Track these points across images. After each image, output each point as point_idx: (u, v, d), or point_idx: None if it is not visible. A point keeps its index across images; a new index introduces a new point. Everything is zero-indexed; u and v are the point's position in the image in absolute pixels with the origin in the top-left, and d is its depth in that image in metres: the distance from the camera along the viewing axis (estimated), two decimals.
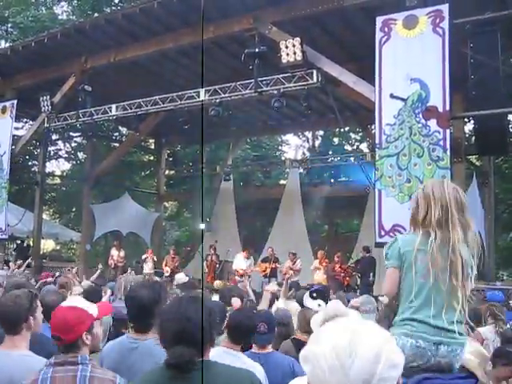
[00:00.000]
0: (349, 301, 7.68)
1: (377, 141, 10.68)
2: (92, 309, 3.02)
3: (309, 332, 4.86)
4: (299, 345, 4.75)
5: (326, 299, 5.97)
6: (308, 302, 5.93)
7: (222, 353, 3.72)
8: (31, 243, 20.27)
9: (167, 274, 16.60)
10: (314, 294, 5.99)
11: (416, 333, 3.04)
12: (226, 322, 4.17)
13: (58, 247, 32.16)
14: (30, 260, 15.34)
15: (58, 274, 13.50)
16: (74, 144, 28.51)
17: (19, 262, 14.73)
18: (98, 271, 12.65)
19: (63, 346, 2.83)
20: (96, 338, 3.02)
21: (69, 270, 12.60)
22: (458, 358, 3.00)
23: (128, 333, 3.63)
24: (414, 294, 3.13)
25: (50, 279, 10.00)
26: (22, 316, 3.29)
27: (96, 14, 22.76)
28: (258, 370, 3.68)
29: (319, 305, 5.76)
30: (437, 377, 2.88)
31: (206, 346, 2.48)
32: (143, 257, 18.37)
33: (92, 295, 6.06)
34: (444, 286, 3.01)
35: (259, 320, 4.37)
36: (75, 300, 3.11)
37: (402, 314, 3.24)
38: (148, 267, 17.98)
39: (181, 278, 9.61)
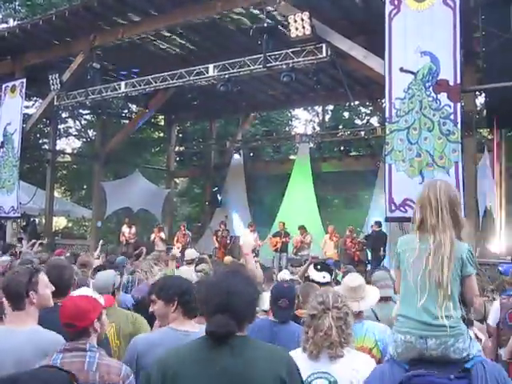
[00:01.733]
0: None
1: (387, 115, 10.62)
2: (100, 298, 3.16)
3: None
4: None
5: (331, 272, 5.98)
6: (313, 273, 5.94)
7: None
8: (43, 220, 20.44)
9: (178, 251, 16.67)
10: (319, 267, 6.01)
11: (403, 328, 3.12)
12: None
13: (70, 224, 32.39)
14: (42, 240, 15.41)
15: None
16: (83, 122, 28.58)
17: (33, 241, 14.85)
18: (99, 247, 12.93)
19: (75, 333, 2.93)
20: (104, 325, 3.13)
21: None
22: (453, 349, 3.01)
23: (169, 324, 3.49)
24: (406, 290, 3.22)
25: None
26: (21, 291, 3.34)
27: None
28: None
29: (324, 277, 5.77)
30: (428, 373, 2.95)
31: (245, 320, 2.47)
32: (151, 238, 18.43)
33: None
34: (432, 282, 3.09)
35: (281, 295, 4.35)
36: (84, 290, 3.22)
37: (397, 311, 3.36)
38: (159, 247, 18.04)
39: (191, 253, 9.63)
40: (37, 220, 22.93)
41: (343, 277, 8.49)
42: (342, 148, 20.27)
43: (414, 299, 3.13)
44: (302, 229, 16.20)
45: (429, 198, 3.25)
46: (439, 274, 3.07)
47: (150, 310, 3.68)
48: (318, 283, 5.67)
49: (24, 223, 21.05)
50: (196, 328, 3.36)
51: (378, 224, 14.89)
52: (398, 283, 3.44)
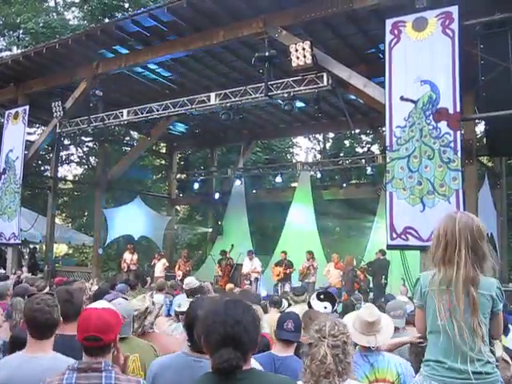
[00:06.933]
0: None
1: (387, 143, 10.66)
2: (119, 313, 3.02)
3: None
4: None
5: (334, 302, 5.91)
6: (314, 303, 5.89)
7: None
8: (43, 247, 20.39)
9: (179, 278, 16.62)
10: (322, 296, 5.94)
11: (438, 376, 3.07)
12: None
13: (71, 251, 32.32)
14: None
15: None
16: (85, 149, 28.65)
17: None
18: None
19: (98, 348, 2.77)
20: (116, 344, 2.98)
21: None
22: None
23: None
24: (434, 335, 3.17)
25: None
26: (55, 322, 3.29)
27: (106, 20, 22.93)
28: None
29: (325, 307, 5.70)
30: None
31: (250, 352, 2.39)
32: (153, 263, 18.61)
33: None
34: (459, 326, 3.05)
35: (286, 318, 4.42)
36: (104, 303, 3.06)
37: (426, 354, 3.27)
38: (158, 270, 18.08)
39: (190, 282, 9.54)
40: (37, 247, 22.92)
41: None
42: (342, 176, 20.30)
43: (446, 344, 3.09)
44: (310, 254, 16.21)
45: (447, 232, 3.18)
46: (472, 318, 3.03)
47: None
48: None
49: (24, 250, 21.04)
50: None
51: (383, 252, 14.81)
52: (420, 323, 3.39)
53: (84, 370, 2.73)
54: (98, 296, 6.34)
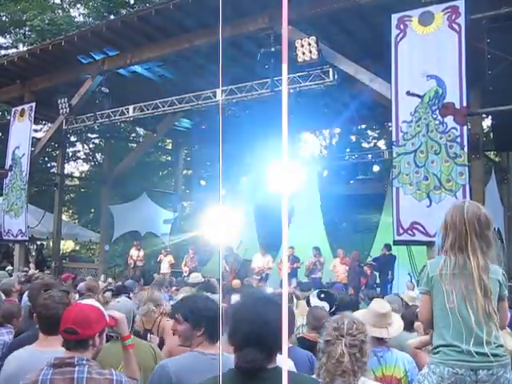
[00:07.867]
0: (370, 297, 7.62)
1: (394, 138, 10.64)
2: (105, 313, 3.06)
3: (317, 329, 4.84)
4: (305, 343, 4.74)
5: (333, 303, 5.89)
6: (313, 300, 5.88)
7: None
8: (50, 244, 20.46)
9: (186, 274, 16.64)
10: (322, 295, 5.93)
11: (451, 360, 3.05)
12: None
13: (78, 248, 32.38)
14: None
15: None
16: (91, 145, 28.71)
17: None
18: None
19: (75, 342, 2.81)
20: (101, 343, 3.00)
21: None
22: (503, 379, 2.98)
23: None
24: (444, 319, 3.15)
25: None
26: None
27: (112, 16, 22.92)
28: (290, 366, 3.65)
29: (322, 307, 5.70)
30: None
31: (276, 351, 2.34)
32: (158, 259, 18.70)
33: None
34: (473, 310, 3.05)
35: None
36: (92, 301, 3.13)
37: (436, 341, 3.26)
38: (164, 267, 18.10)
39: (196, 277, 9.56)
40: (44, 244, 22.98)
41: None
42: (349, 171, 20.26)
43: (457, 327, 3.07)
44: (316, 250, 16.21)
45: (456, 221, 3.21)
46: (487, 301, 3.04)
47: (172, 328, 3.51)
48: None
49: (31, 247, 21.12)
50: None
51: (388, 247, 14.76)
52: (426, 308, 3.36)
53: (59, 366, 2.76)
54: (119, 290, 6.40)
